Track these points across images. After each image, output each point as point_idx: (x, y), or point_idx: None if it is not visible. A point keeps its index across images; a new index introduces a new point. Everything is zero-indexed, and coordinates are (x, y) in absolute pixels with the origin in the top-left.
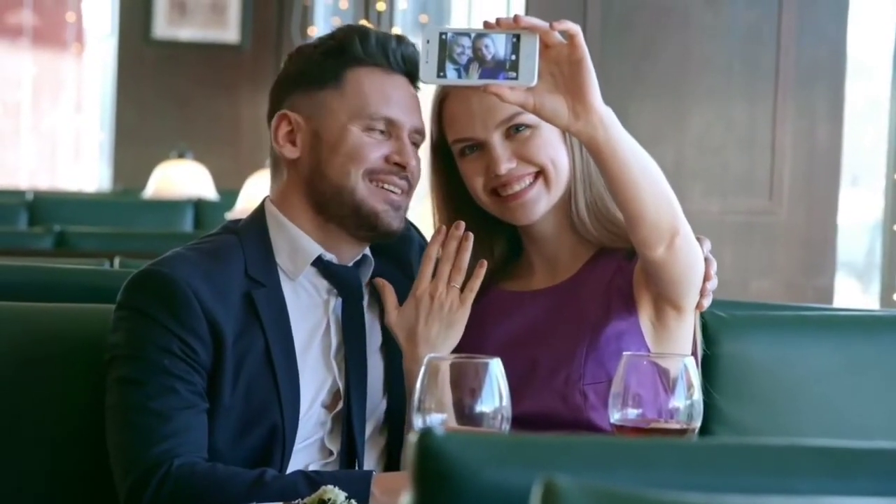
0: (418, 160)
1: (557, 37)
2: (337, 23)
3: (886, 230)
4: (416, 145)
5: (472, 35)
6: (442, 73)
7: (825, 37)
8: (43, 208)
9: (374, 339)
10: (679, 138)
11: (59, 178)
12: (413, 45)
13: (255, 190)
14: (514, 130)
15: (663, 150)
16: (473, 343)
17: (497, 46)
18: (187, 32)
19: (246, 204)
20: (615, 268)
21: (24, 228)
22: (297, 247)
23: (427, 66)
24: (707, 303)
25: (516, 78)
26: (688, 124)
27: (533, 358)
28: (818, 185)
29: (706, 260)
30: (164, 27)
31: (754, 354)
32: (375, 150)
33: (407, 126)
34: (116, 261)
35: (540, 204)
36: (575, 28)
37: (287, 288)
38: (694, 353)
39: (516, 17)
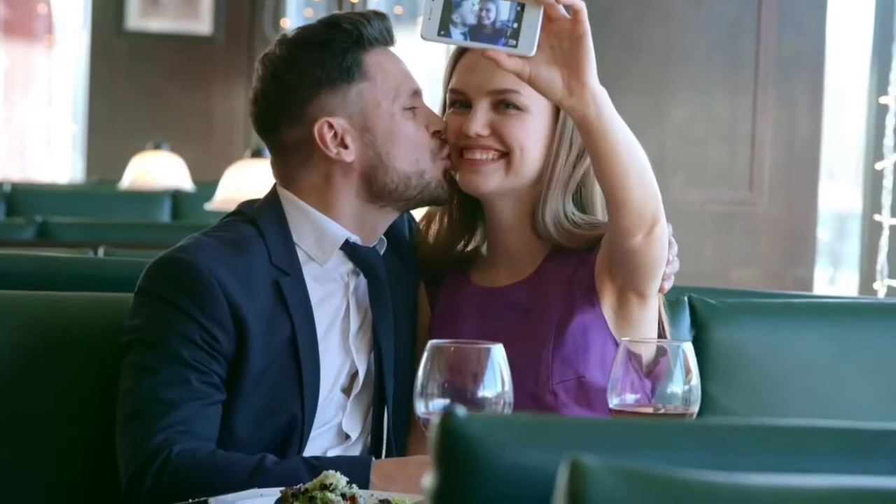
0: None
1: (561, 10)
2: (310, 14)
3: (865, 220)
4: None
5: None
6: (443, 32)
7: (805, 29)
8: (21, 200)
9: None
10: (660, 130)
11: (31, 170)
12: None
13: (235, 180)
14: (503, 105)
15: (644, 142)
16: (446, 337)
17: (501, 13)
18: (160, 24)
19: (226, 194)
20: (576, 261)
21: (3, 219)
22: (324, 233)
23: (429, 23)
24: (668, 285)
25: (515, 46)
26: (669, 116)
27: None
28: (798, 175)
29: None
30: (136, 19)
31: (743, 341)
32: (422, 129)
33: (420, 89)
34: (101, 250)
35: (491, 180)
36: (580, 4)
37: (307, 274)
38: (662, 336)
39: None
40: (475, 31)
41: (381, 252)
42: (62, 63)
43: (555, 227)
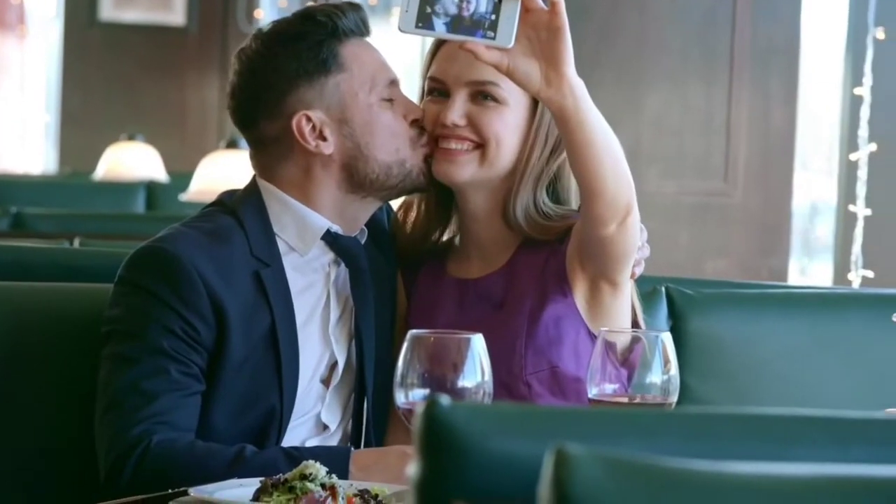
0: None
1: (539, 3)
2: (283, 5)
3: (840, 210)
4: None
5: None
6: (420, 24)
7: (780, 19)
8: None
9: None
10: (636, 121)
11: (3, 161)
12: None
13: (210, 171)
14: (481, 97)
15: (620, 133)
16: (424, 328)
17: (479, 5)
18: (133, 15)
19: (201, 185)
20: (548, 252)
21: None
22: (305, 223)
23: (407, 16)
24: (639, 270)
25: (494, 38)
26: (644, 107)
27: None
28: (773, 166)
29: None
30: (109, 9)
31: (720, 331)
32: (399, 118)
33: (397, 79)
34: (76, 241)
35: (465, 170)
36: None
37: (288, 264)
38: (636, 323)
39: None
40: (453, 24)
41: (363, 241)
42: (35, 53)
43: (525, 219)
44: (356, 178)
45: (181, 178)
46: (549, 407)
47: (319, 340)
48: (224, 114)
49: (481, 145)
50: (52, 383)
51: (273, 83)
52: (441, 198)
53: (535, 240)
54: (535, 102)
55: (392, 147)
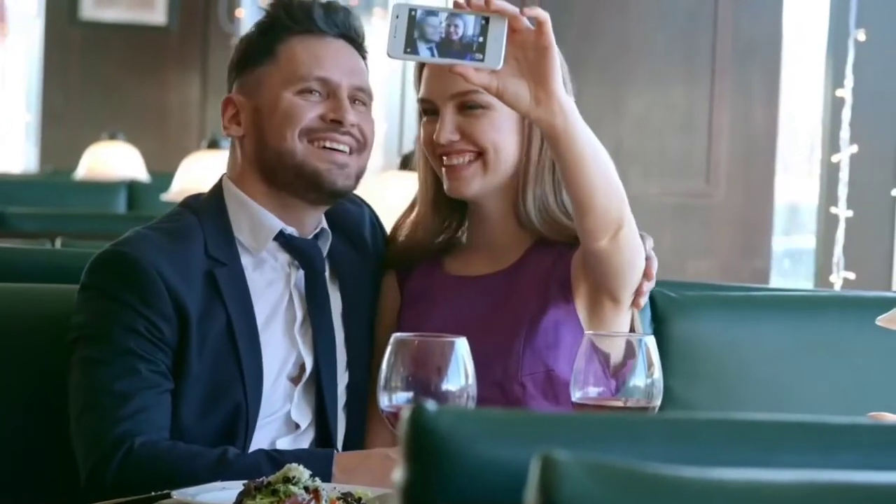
0: (367, 118)
1: (526, 22)
2: (264, 4)
3: (821, 212)
4: (362, 103)
5: (442, 14)
6: (409, 50)
7: (761, 20)
8: None
9: (335, 311)
10: (618, 121)
11: None
12: (346, 11)
13: (192, 171)
14: (467, 107)
15: (602, 133)
16: (415, 325)
17: (466, 27)
18: (114, 14)
19: (182, 185)
20: (555, 256)
21: None
22: (258, 222)
23: (395, 41)
24: (643, 301)
25: (482, 60)
26: (626, 107)
27: (471, 347)
28: (754, 167)
29: (647, 258)
30: (90, 8)
31: (704, 334)
32: (309, 111)
33: (344, 84)
34: (58, 241)
35: (473, 183)
36: (544, 15)
37: (248, 264)
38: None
39: (487, 0)
40: (441, 47)
41: (326, 246)
42: (16, 52)
43: (539, 215)
44: (264, 167)
45: (162, 177)
46: (536, 412)
47: (283, 340)
48: (205, 113)
49: (480, 154)
50: (30, 385)
51: (229, 71)
52: (452, 201)
53: (546, 243)
54: None
55: (280, 134)
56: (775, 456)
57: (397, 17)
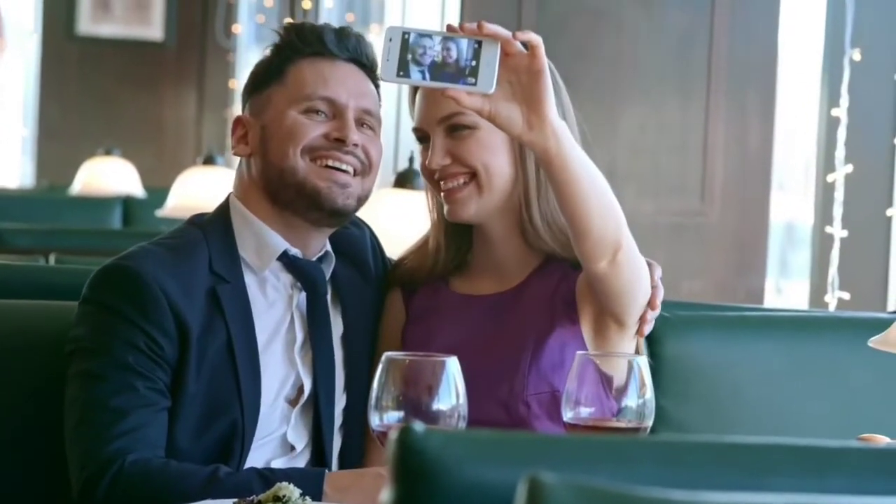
0: (373, 142)
1: (518, 46)
2: (262, 21)
3: (816, 232)
4: (369, 127)
5: (435, 38)
6: (402, 73)
7: (757, 39)
8: None
9: (335, 334)
10: (612, 140)
11: None
12: (358, 36)
13: (187, 187)
14: (453, 129)
15: (596, 152)
16: (420, 342)
17: (458, 51)
18: (111, 29)
19: (177, 201)
20: (560, 276)
21: None
22: (263, 242)
23: (388, 65)
24: (647, 329)
25: (475, 84)
26: (621, 126)
27: (476, 366)
28: (749, 186)
29: (654, 287)
30: (87, 24)
31: (697, 354)
32: (313, 129)
33: (351, 105)
34: (52, 257)
35: (469, 205)
36: (537, 39)
37: (251, 283)
38: None
39: (480, 24)
40: (434, 71)
41: (330, 268)
42: (12, 67)
43: (549, 230)
44: (268, 185)
45: (159, 193)
46: (525, 434)
47: (283, 361)
48: (202, 129)
49: (473, 175)
50: (23, 403)
51: (242, 94)
52: (461, 227)
53: (554, 261)
54: None
55: (283, 151)
56: (765, 479)
57: (390, 40)
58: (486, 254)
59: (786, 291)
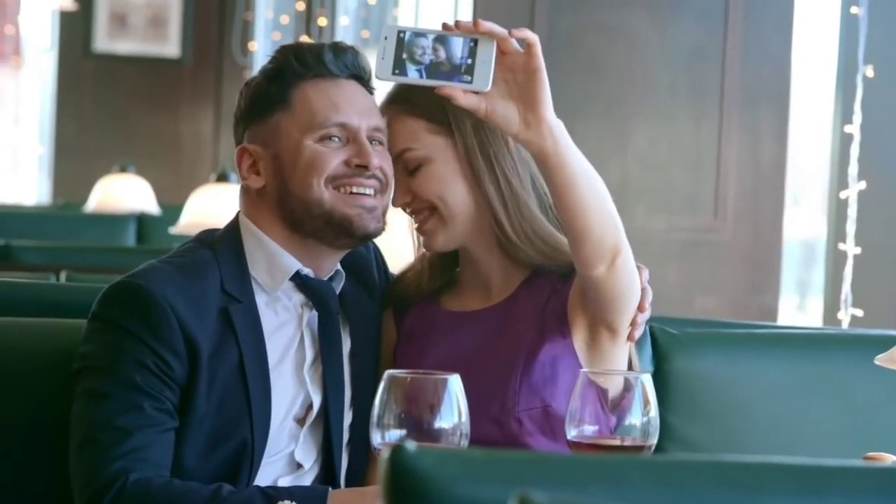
0: (386, 158)
1: (515, 45)
2: (277, 38)
3: (830, 248)
4: (380, 142)
5: (431, 36)
6: (397, 71)
7: (770, 56)
8: None
9: (343, 351)
10: (624, 156)
11: None
12: (354, 50)
13: (200, 205)
14: (407, 167)
15: (608, 168)
16: (411, 361)
17: (454, 49)
18: (127, 46)
19: (191, 219)
20: (550, 290)
21: None
22: (276, 262)
23: (383, 63)
24: (638, 333)
25: (471, 82)
26: (633, 142)
27: (467, 383)
28: (763, 203)
29: (643, 290)
30: (104, 41)
31: (705, 371)
32: (333, 158)
33: (363, 127)
34: (63, 275)
35: (438, 237)
36: (533, 37)
37: (262, 302)
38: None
39: (476, 22)
40: (429, 69)
41: (340, 287)
42: (29, 84)
43: (528, 242)
44: (289, 216)
45: (174, 210)
46: (517, 452)
47: (293, 380)
48: (217, 146)
49: (434, 209)
50: (32, 420)
51: (237, 119)
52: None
53: (541, 274)
54: (452, 139)
55: (306, 183)
56: (764, 499)
57: (386, 38)
58: (472, 271)
59: (800, 308)
